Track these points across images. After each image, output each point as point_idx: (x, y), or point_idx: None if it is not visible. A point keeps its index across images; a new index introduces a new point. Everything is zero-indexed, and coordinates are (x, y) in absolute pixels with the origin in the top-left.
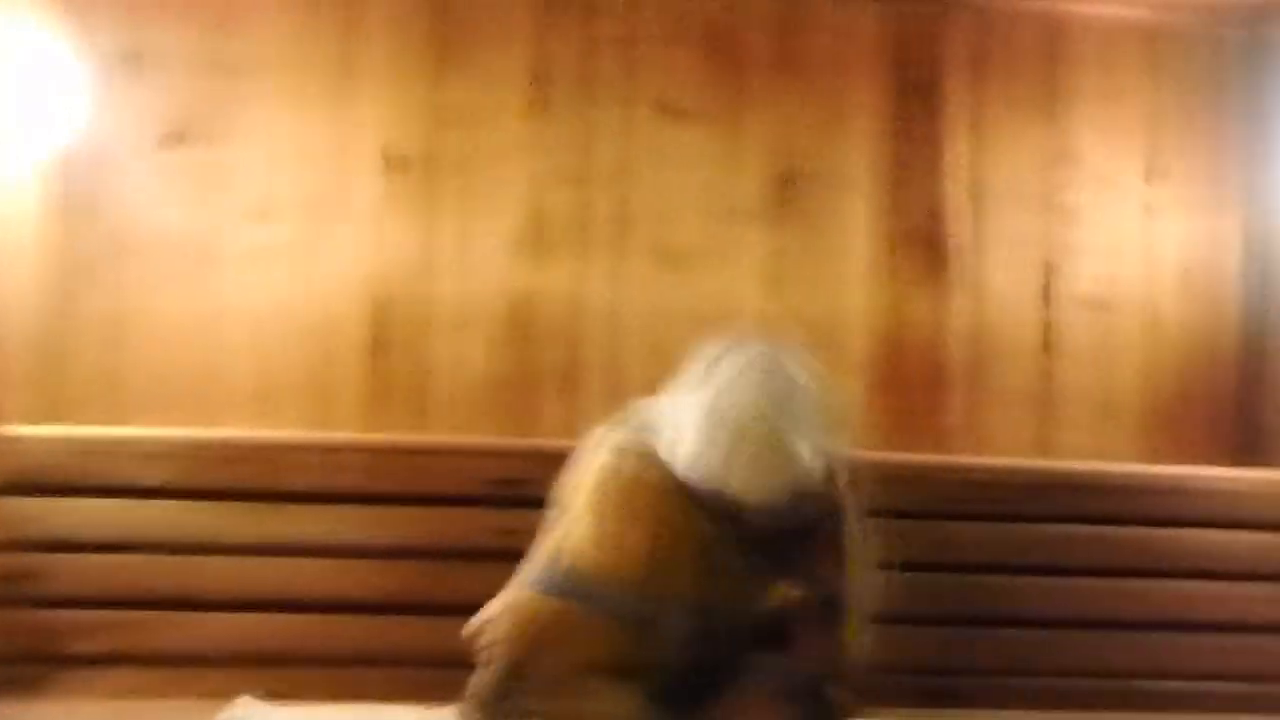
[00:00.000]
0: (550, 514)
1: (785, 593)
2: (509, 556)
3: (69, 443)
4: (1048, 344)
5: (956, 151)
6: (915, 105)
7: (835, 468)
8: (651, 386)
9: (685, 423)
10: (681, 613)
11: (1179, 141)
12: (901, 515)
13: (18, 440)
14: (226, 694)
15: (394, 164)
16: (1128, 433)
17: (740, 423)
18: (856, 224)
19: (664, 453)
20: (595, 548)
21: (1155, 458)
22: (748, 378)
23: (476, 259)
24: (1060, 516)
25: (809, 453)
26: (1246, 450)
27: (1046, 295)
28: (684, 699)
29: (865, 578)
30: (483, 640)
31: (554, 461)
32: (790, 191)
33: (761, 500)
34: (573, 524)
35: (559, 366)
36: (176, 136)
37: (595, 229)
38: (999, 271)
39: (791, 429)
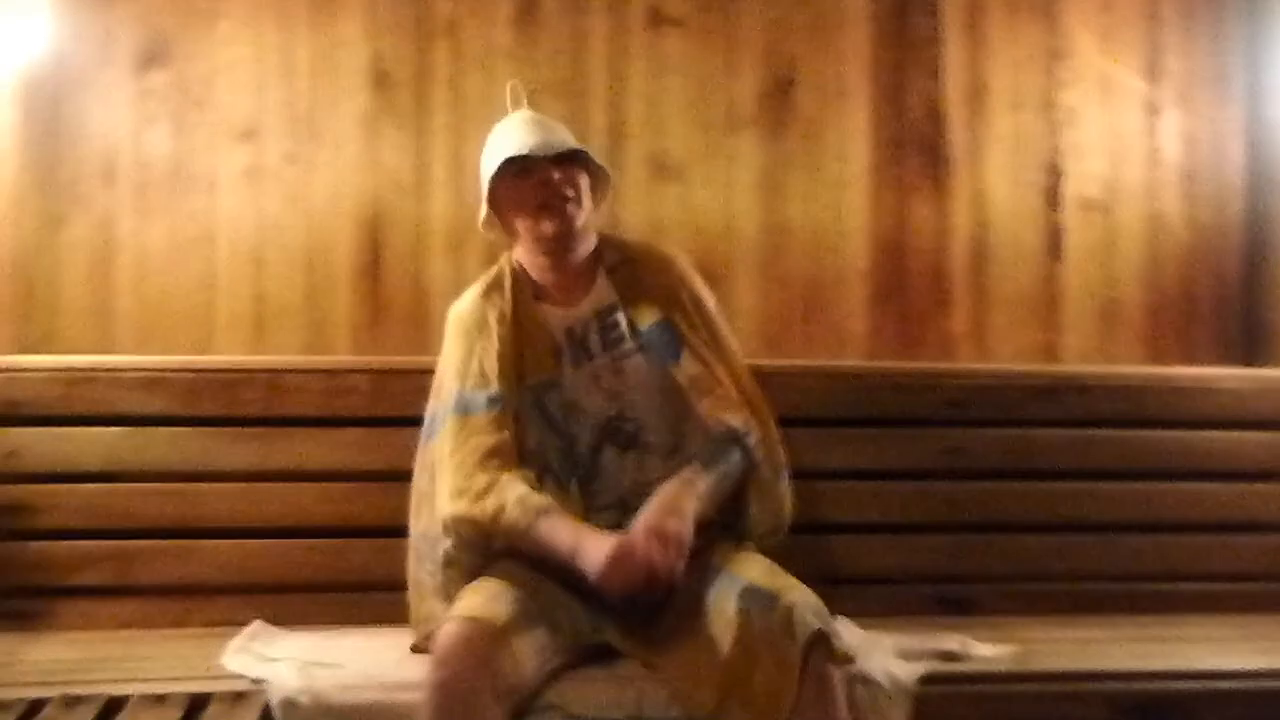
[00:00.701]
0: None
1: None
2: None
3: (62, 372)
4: (1051, 247)
5: (954, 53)
6: (911, 6)
7: None
8: None
9: (486, 156)
10: (548, 391)
11: (1180, 39)
12: (908, 423)
13: (8, 370)
14: (229, 622)
15: (382, 79)
16: (1133, 335)
17: (513, 120)
18: (854, 130)
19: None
20: (460, 369)
21: (1161, 359)
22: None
23: (471, 175)
24: (1067, 421)
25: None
26: (1252, 350)
27: (1049, 198)
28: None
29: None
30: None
31: None
32: (786, 98)
33: (551, 140)
34: (441, 369)
35: None
36: (156, 56)
37: (589, 141)
38: (1000, 175)
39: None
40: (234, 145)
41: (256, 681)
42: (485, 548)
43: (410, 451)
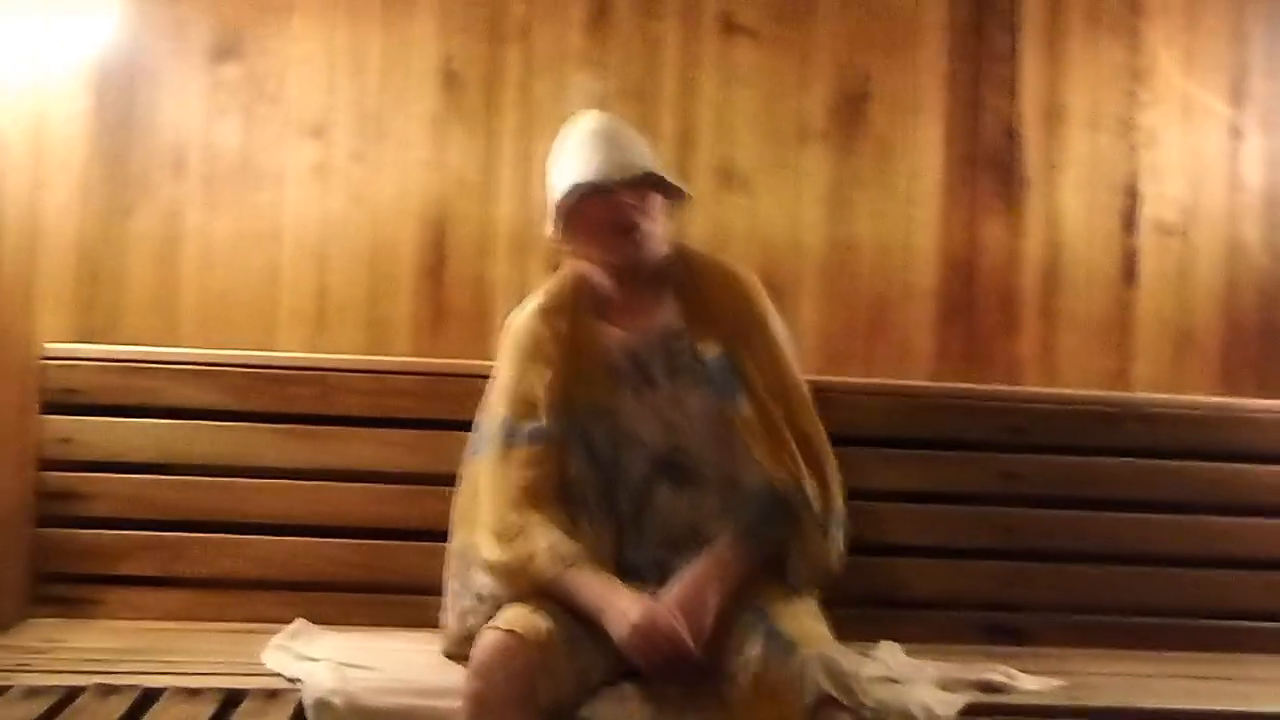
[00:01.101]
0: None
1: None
2: None
3: (119, 361)
4: (1125, 271)
5: (1032, 70)
6: (989, 21)
7: None
8: None
9: (558, 170)
10: (599, 420)
11: (1266, 61)
12: (967, 445)
13: (66, 358)
14: (269, 619)
15: (452, 80)
16: (1207, 364)
17: (584, 132)
18: (927, 146)
19: (551, 204)
20: (508, 393)
21: (1235, 390)
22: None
23: (538, 179)
24: (1131, 449)
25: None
26: None
27: (1124, 221)
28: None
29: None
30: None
31: None
32: (858, 112)
33: (624, 160)
34: (494, 383)
35: None
36: (229, 49)
37: (657, 148)
38: (1075, 196)
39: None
40: (303, 141)
41: (292, 680)
42: (520, 587)
43: (459, 456)
